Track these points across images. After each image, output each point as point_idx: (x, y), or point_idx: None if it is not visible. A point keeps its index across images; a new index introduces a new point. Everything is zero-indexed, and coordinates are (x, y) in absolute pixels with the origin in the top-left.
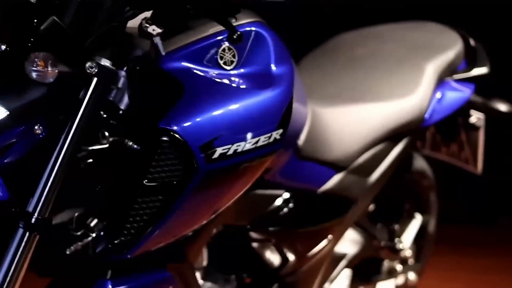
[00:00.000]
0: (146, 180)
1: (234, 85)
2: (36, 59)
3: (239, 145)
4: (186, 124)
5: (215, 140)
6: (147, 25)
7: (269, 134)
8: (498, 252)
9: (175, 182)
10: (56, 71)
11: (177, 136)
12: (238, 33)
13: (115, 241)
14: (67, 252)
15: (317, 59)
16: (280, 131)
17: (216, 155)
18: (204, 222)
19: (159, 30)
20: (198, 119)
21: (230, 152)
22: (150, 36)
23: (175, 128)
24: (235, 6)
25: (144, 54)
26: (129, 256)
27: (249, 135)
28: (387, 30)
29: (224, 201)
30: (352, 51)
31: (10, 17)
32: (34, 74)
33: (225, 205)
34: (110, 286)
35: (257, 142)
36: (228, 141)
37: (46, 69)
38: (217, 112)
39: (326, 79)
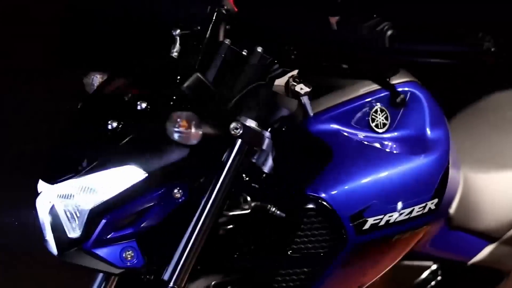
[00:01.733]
0: (291, 251)
1: (386, 149)
2: (178, 119)
3: (391, 216)
4: (335, 192)
5: (366, 210)
6: (295, 84)
7: (423, 204)
8: None
9: (322, 254)
10: (200, 132)
11: (325, 204)
12: (402, 96)
13: None
14: None
15: (468, 120)
16: (436, 200)
17: (367, 226)
18: None
19: (307, 89)
20: (348, 187)
21: (382, 223)
22: (298, 95)
23: (323, 195)
24: (395, 67)
25: (290, 114)
26: None
27: (402, 205)
28: None
29: (372, 276)
30: (505, 112)
31: (152, 74)
32: (176, 136)
33: (372, 279)
34: None
35: (410, 212)
36: (379, 211)
37: (189, 130)
38: (368, 179)
39: (477, 141)
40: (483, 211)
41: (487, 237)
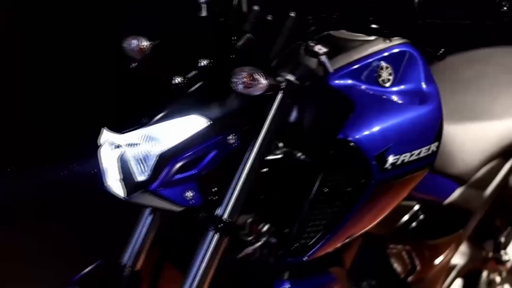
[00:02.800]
0: (325, 188)
1: (393, 100)
2: (243, 73)
3: (405, 156)
4: (361, 135)
5: (386, 151)
6: (313, 44)
7: (428, 146)
8: None
9: (351, 190)
10: (263, 84)
11: (356, 146)
12: (442, 50)
13: (295, 245)
14: (238, 256)
15: None
16: (437, 143)
17: (387, 165)
18: (368, 228)
19: (325, 49)
20: (371, 131)
21: (399, 162)
22: (317, 54)
23: (354, 138)
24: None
25: (312, 71)
26: (305, 259)
27: (413, 147)
28: (492, 53)
29: (388, 209)
30: (460, 73)
31: (211, 36)
32: (240, 87)
33: (387, 212)
34: (288, 285)
35: (419, 153)
36: (397, 152)
37: (253, 82)
38: (386, 125)
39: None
40: (455, 157)
41: (458, 180)
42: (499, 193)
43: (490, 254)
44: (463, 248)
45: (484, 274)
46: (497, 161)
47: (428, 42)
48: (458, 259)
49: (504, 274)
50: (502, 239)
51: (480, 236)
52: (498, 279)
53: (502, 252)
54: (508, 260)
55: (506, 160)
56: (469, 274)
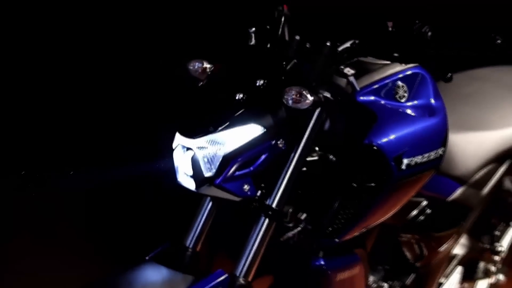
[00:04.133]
0: (353, 184)
1: (408, 113)
2: (292, 91)
3: (418, 158)
4: (383, 141)
5: (403, 154)
6: (343, 67)
7: (436, 150)
8: None
9: (374, 185)
10: (311, 99)
11: (378, 149)
12: (449, 74)
13: (328, 229)
14: (281, 239)
15: None
16: (443, 148)
17: (403, 165)
18: (386, 217)
19: (352, 72)
20: (390, 138)
21: (413, 163)
22: (346, 76)
23: (376, 143)
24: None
25: (342, 89)
26: (337, 240)
27: (424, 151)
28: (487, 73)
29: (402, 202)
30: (460, 90)
31: (265, 61)
32: (290, 102)
33: (401, 205)
34: (323, 262)
35: (429, 156)
36: (411, 155)
37: (301, 98)
38: (401, 133)
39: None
40: (458, 161)
41: (459, 180)
42: (494, 193)
43: (487, 246)
44: (463, 240)
45: (482, 264)
46: (493, 165)
47: (437, 66)
48: (459, 249)
49: (499, 265)
50: (497, 233)
51: (478, 231)
52: (493, 268)
53: (497, 244)
54: (502, 251)
55: (500, 164)
56: (469, 263)
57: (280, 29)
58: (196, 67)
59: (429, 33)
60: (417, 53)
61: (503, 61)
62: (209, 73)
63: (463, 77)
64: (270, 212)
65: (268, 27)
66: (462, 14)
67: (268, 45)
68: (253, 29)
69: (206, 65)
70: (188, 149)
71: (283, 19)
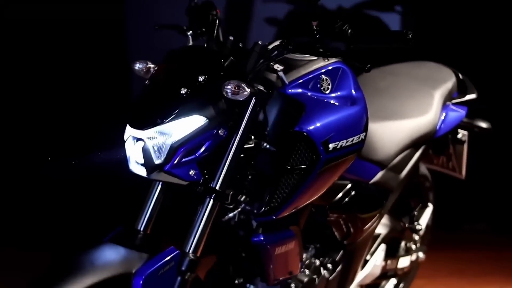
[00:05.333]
0: (287, 167)
1: (332, 103)
2: (231, 84)
3: (343, 142)
4: (312, 128)
5: (329, 138)
6: (273, 64)
7: (358, 135)
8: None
9: (305, 167)
10: (249, 91)
11: (307, 135)
12: (369, 66)
13: (266, 207)
14: (222, 220)
15: None
16: (364, 133)
17: (330, 149)
18: (317, 196)
19: (281, 67)
20: (318, 125)
21: (338, 146)
22: (276, 71)
23: (306, 130)
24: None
25: (273, 83)
26: (274, 217)
27: (348, 135)
28: (399, 68)
29: (330, 182)
30: (376, 83)
31: (203, 60)
32: (230, 94)
33: (330, 184)
34: (262, 238)
35: (352, 140)
36: (337, 139)
37: (239, 90)
38: (327, 120)
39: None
40: (378, 147)
41: (380, 164)
42: (411, 177)
43: (407, 225)
44: (385, 220)
45: (403, 242)
46: (409, 150)
47: (358, 60)
48: (382, 229)
49: (418, 243)
50: (416, 213)
51: (398, 211)
52: (413, 247)
53: (416, 223)
54: (420, 229)
55: (416, 150)
56: (391, 242)
57: (215, 31)
58: (140, 67)
59: (349, 31)
60: (339, 49)
61: (415, 56)
62: (153, 72)
63: (378, 73)
64: (214, 194)
65: (204, 29)
66: None
67: (205, 45)
68: (190, 32)
69: (150, 65)
70: (138, 139)
71: (217, 22)
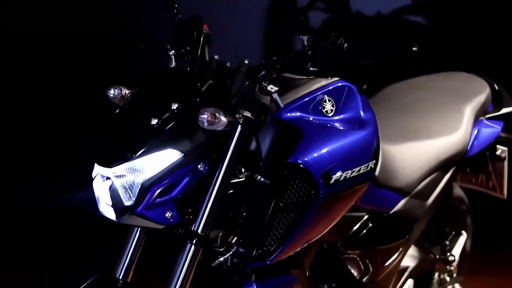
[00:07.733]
0: (281, 203)
1: (336, 127)
2: (206, 113)
3: (347, 173)
4: (309, 158)
5: (331, 170)
6: (266, 84)
7: (367, 164)
8: None
9: (302, 203)
10: (226, 120)
11: (304, 167)
12: (365, 86)
13: (259, 251)
14: (213, 265)
15: (374, 107)
16: (374, 161)
17: (332, 181)
18: (320, 235)
19: (276, 88)
20: (316, 154)
21: (342, 178)
22: (269, 93)
23: (302, 161)
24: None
25: (266, 107)
26: (268, 262)
27: (353, 165)
28: (427, 80)
29: (337, 217)
30: (400, 99)
31: (176, 83)
32: (206, 124)
33: (336, 220)
34: (255, 286)
35: (359, 170)
36: (340, 170)
37: (215, 120)
38: (329, 148)
39: (384, 122)
40: (398, 173)
41: (402, 192)
42: (442, 202)
43: (438, 256)
44: (413, 251)
45: (436, 275)
46: (437, 174)
47: (354, 80)
48: (409, 261)
49: (454, 274)
50: (447, 242)
51: (428, 241)
52: (448, 278)
53: (448, 254)
54: (454, 260)
55: (445, 173)
56: (422, 276)
57: (200, 49)
58: (115, 93)
59: (345, 45)
60: (334, 66)
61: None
62: (127, 99)
63: (402, 87)
64: (195, 238)
65: (188, 48)
66: None
67: (188, 66)
68: (173, 51)
69: (125, 91)
70: (107, 178)
71: (202, 39)
